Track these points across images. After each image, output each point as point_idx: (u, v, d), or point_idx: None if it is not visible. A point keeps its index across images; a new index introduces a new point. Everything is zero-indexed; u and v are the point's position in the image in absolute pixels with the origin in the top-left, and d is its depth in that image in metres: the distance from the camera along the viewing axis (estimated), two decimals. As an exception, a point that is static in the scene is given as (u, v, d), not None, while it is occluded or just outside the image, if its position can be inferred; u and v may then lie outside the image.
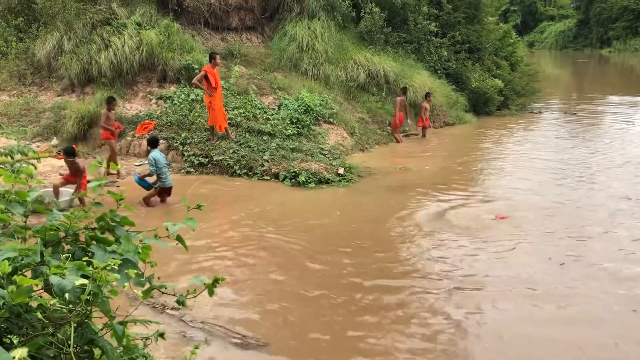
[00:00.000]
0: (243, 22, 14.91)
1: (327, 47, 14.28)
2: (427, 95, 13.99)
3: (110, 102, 9.95)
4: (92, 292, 1.18)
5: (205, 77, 10.39)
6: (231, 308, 5.25)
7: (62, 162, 10.40)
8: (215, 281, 2.00)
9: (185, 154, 10.46)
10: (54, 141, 11.10)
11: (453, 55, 16.86)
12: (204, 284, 1.88)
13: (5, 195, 1.52)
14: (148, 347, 2.11)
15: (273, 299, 5.50)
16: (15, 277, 1.16)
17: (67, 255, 1.47)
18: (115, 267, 1.28)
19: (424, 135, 13.91)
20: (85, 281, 1.18)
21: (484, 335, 4.86)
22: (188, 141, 10.66)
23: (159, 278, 1.80)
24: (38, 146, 10.81)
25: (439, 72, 16.43)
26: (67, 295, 1.14)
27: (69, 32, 12.42)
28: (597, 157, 11.78)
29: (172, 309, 5.25)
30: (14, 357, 0.98)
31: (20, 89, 12.70)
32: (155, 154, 8.39)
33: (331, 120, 12.45)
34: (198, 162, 10.27)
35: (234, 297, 5.47)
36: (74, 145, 8.74)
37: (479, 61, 17.50)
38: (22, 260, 1.32)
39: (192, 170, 10.18)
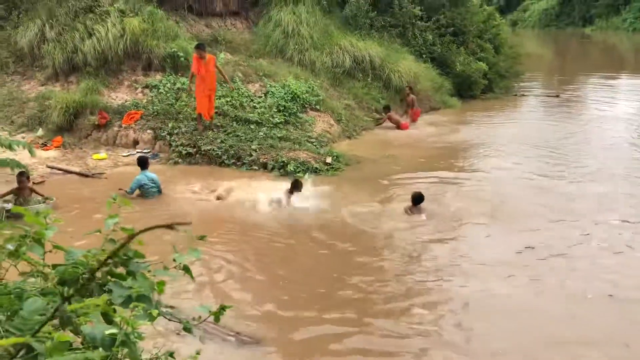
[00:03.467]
0: (227, 7, 14.78)
1: (313, 32, 14.23)
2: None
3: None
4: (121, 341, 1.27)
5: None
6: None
7: (48, 154, 10.37)
8: (222, 309, 2.11)
9: (173, 144, 10.46)
10: (40, 132, 11.02)
11: (438, 39, 16.90)
12: (210, 311, 1.99)
13: (25, 238, 1.60)
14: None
15: (265, 297, 5.61)
16: (51, 332, 1.24)
17: (89, 296, 1.56)
18: (140, 311, 1.37)
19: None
20: (114, 330, 1.28)
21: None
22: (175, 131, 10.65)
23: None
24: (23, 137, 10.72)
25: (424, 56, 16.48)
26: (100, 349, 1.23)
27: (51, 19, 12.24)
28: (578, 140, 12.07)
29: (166, 306, 5.35)
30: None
31: (3, 78, 12.52)
32: (141, 176, 8.38)
33: (318, 107, 12.49)
34: (186, 152, 10.28)
35: (227, 296, 5.57)
36: None
37: (464, 44, 17.54)
38: (49, 306, 1.41)
39: (179, 160, 10.20)
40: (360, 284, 5.82)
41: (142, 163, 8.57)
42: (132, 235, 1.88)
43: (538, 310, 5.32)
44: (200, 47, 10.62)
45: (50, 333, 1.23)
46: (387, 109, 13.48)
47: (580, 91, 20.02)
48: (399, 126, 13.25)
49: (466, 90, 17.10)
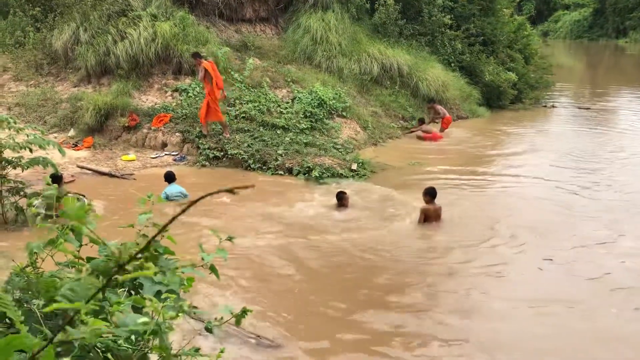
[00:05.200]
0: (257, 13, 14.95)
1: (341, 39, 14.29)
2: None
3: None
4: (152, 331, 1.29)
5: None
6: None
7: (79, 154, 10.59)
8: (244, 312, 2.13)
9: (201, 147, 10.57)
10: (71, 132, 11.26)
11: (467, 48, 16.77)
12: (232, 313, 2.02)
13: (64, 229, 1.64)
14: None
15: (286, 302, 5.63)
16: (85, 317, 1.27)
17: (122, 289, 1.59)
18: (171, 302, 1.40)
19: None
20: (146, 319, 1.30)
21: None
22: (203, 134, 10.78)
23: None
24: (55, 137, 10.96)
25: (452, 65, 16.38)
26: (132, 337, 1.26)
27: (85, 22, 12.52)
28: (610, 153, 11.84)
29: (190, 306, 5.39)
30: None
31: (37, 79, 12.86)
32: (168, 190, 8.25)
33: (344, 114, 12.51)
34: (213, 155, 10.39)
35: (249, 299, 5.60)
36: None
37: (493, 54, 17.40)
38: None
39: (207, 163, 10.30)
40: (380, 298, 5.78)
41: (170, 178, 8.45)
42: (191, 203, 1.90)
43: (563, 326, 5.22)
44: (193, 56, 10.68)
45: (82, 320, 1.26)
46: (421, 121, 13.43)
47: (613, 103, 19.65)
48: (432, 137, 13.04)
49: (495, 100, 16.92)
